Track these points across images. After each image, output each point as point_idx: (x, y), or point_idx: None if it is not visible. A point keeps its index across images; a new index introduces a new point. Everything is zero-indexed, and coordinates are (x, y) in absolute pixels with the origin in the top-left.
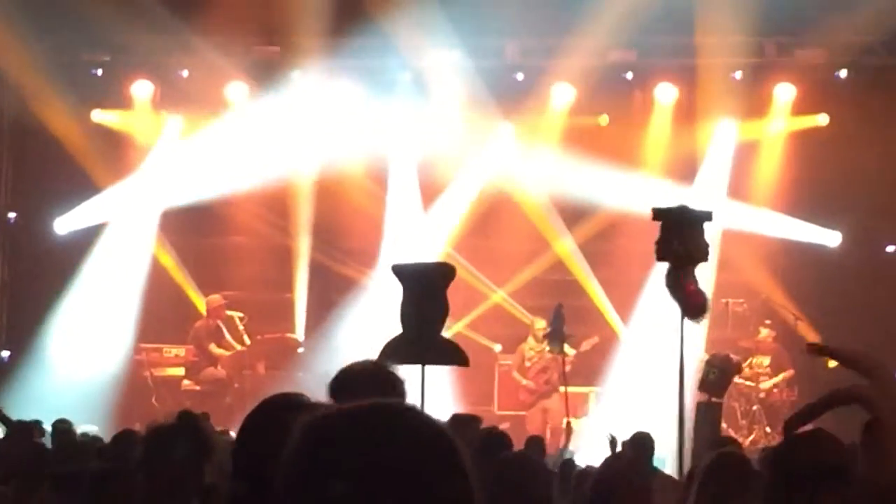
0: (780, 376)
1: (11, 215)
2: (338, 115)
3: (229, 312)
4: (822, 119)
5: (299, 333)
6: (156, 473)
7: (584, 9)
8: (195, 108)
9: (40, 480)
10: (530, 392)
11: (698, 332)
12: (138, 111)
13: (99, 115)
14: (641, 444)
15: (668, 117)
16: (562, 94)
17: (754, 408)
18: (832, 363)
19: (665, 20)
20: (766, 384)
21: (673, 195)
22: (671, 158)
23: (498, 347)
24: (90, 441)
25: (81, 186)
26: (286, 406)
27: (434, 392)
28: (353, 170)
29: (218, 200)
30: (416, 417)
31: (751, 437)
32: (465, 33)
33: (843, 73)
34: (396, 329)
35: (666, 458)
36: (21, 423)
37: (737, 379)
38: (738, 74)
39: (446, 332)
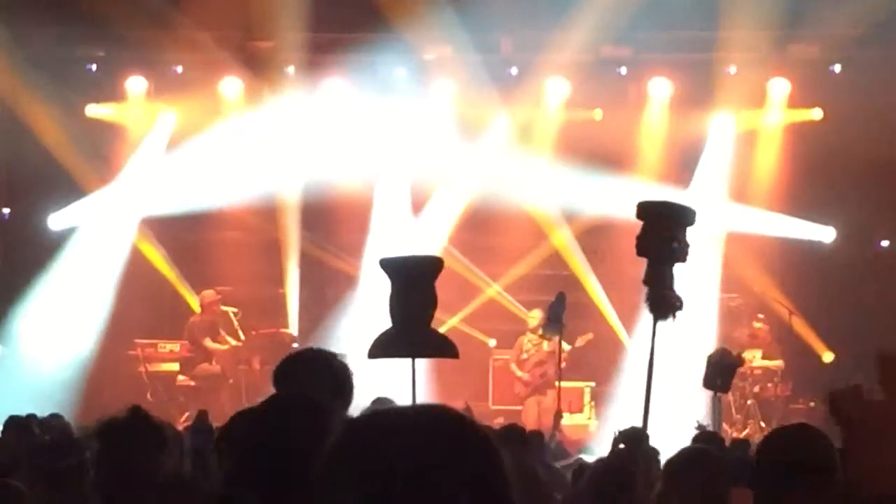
0: (767, 363)
1: (5, 211)
2: (331, 110)
3: (224, 308)
4: (817, 113)
5: (293, 328)
6: (112, 468)
7: (578, 3)
8: (189, 103)
9: (38, 476)
10: (525, 384)
11: (707, 330)
12: (132, 106)
13: (93, 111)
14: (635, 439)
15: (662, 112)
16: (556, 89)
17: (748, 402)
18: (827, 359)
19: (658, 15)
20: (756, 363)
21: (669, 195)
22: (666, 153)
23: (493, 342)
24: (86, 436)
25: (75, 183)
26: (302, 406)
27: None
28: (346, 165)
29: (209, 198)
30: (461, 422)
31: (745, 432)
32: (460, 28)
33: (838, 68)
34: (387, 323)
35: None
36: (16, 418)
37: None
38: (733, 69)
39: (441, 327)
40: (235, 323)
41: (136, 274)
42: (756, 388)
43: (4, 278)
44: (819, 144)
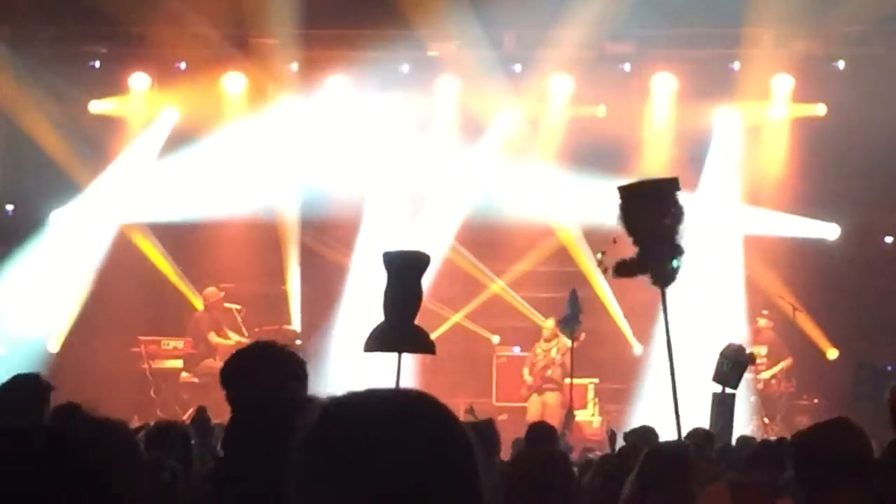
0: (779, 366)
1: (9, 207)
2: (334, 108)
3: (227, 305)
4: (820, 109)
5: (296, 325)
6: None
7: (581, 0)
8: (192, 99)
9: None
10: (528, 387)
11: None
12: (135, 102)
13: (96, 107)
14: (644, 438)
15: (666, 109)
16: (560, 85)
17: (752, 398)
18: (831, 355)
19: (662, 11)
20: (765, 375)
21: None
22: (671, 149)
23: (496, 339)
24: None
25: (78, 179)
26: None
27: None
28: (347, 164)
29: (210, 205)
30: (434, 408)
31: (749, 428)
32: (464, 24)
33: (841, 64)
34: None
35: None
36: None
37: None
38: (736, 65)
39: (445, 323)
40: (239, 320)
41: (138, 271)
42: (760, 385)
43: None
44: (823, 141)
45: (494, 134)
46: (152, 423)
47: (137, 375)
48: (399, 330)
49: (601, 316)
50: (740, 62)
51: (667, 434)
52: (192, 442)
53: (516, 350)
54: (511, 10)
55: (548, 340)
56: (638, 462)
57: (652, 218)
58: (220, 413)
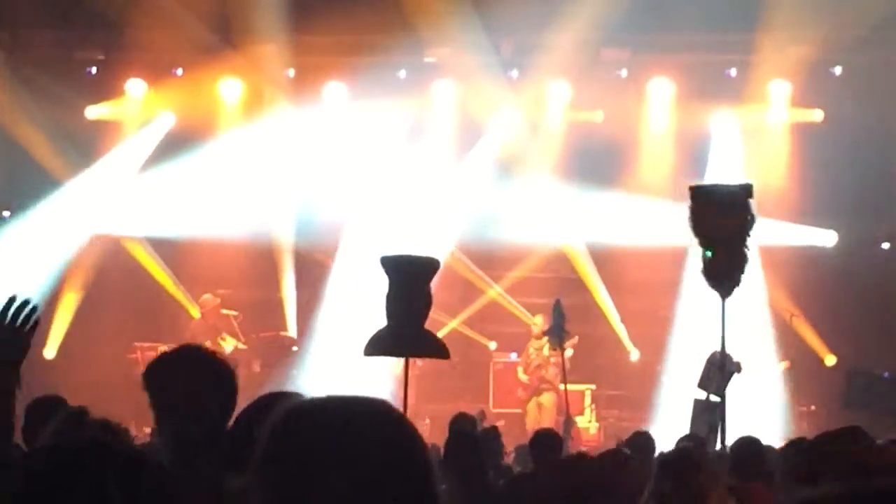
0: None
1: (6, 213)
2: (330, 113)
3: (224, 311)
4: (818, 115)
5: (292, 331)
6: None
7: (578, 6)
8: (189, 105)
9: None
10: (524, 388)
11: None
12: (132, 108)
13: (93, 112)
14: (643, 444)
15: (663, 114)
16: (557, 91)
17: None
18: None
19: (658, 17)
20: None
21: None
22: (669, 154)
23: (493, 345)
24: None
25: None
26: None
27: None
28: (343, 166)
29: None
30: (387, 412)
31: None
32: (460, 30)
33: (839, 70)
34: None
35: None
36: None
37: None
38: (733, 71)
39: (442, 329)
40: (236, 326)
41: (134, 278)
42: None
43: None
44: (820, 147)
45: (491, 139)
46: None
47: (134, 382)
48: (409, 334)
49: (598, 322)
50: (737, 68)
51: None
52: None
53: (513, 356)
54: (508, 16)
55: (538, 338)
56: (654, 469)
57: (723, 223)
58: None
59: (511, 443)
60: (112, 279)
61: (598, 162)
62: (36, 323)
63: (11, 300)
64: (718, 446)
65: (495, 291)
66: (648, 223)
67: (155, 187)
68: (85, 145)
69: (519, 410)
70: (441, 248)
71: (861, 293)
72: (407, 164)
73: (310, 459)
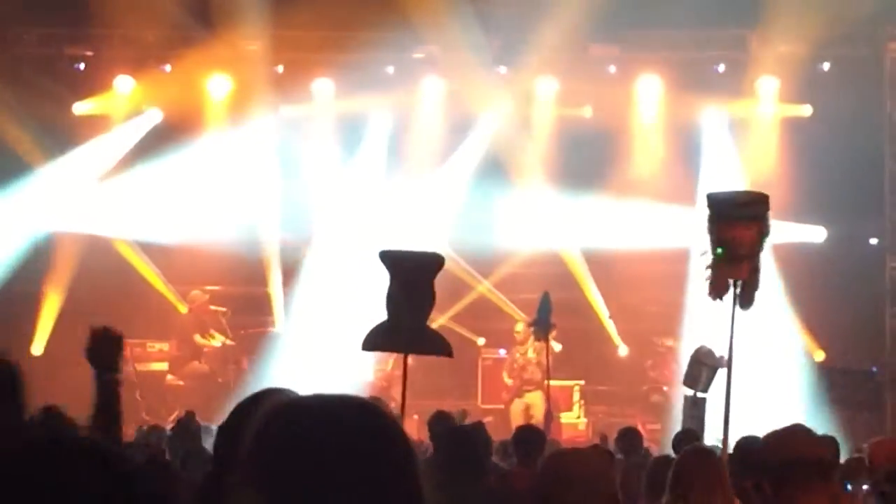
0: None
1: None
2: (316, 108)
3: (213, 308)
4: (806, 110)
5: (280, 327)
6: None
7: (566, 3)
8: (176, 101)
9: None
10: (507, 390)
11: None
12: (119, 103)
13: (80, 108)
14: (629, 440)
15: (651, 111)
16: (546, 88)
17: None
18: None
19: (647, 14)
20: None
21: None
22: (657, 150)
23: (482, 341)
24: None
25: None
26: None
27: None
28: (330, 162)
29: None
30: (375, 413)
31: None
32: (449, 26)
33: (826, 66)
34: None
35: None
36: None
37: None
38: (721, 67)
39: (432, 325)
40: (224, 322)
41: (120, 275)
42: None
43: None
44: (809, 142)
45: (480, 136)
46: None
47: (123, 378)
48: (412, 331)
49: (587, 317)
50: (725, 64)
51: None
52: None
53: (502, 352)
54: (496, 12)
55: (521, 343)
56: (672, 467)
57: (742, 233)
58: (206, 415)
59: (498, 439)
60: (98, 275)
61: (587, 158)
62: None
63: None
64: (711, 442)
65: (484, 287)
66: (637, 220)
67: (141, 184)
68: (72, 142)
69: (502, 407)
70: (430, 244)
71: (849, 289)
72: (394, 160)
73: (295, 458)
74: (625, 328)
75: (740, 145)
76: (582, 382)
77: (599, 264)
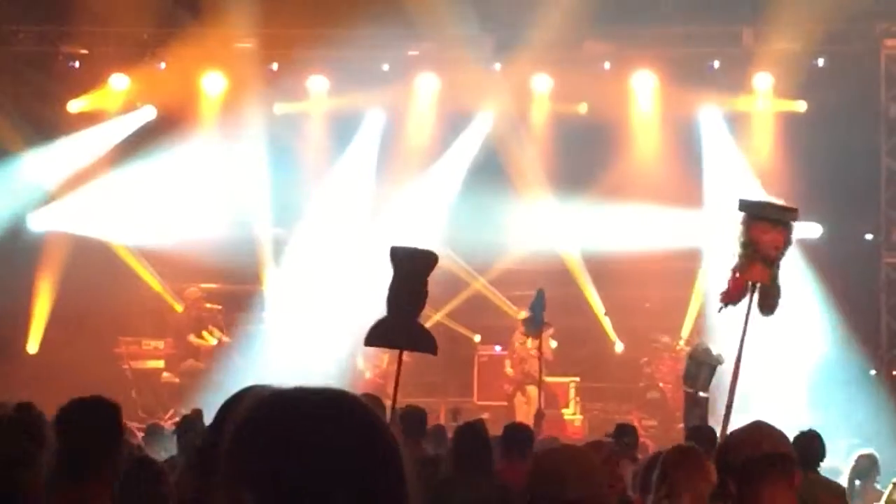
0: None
1: None
2: (311, 105)
3: (209, 305)
4: (801, 106)
5: (273, 323)
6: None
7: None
8: (171, 99)
9: None
10: (509, 381)
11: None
12: (114, 101)
13: (75, 106)
14: (623, 433)
15: (646, 107)
16: (541, 84)
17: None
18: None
19: (642, 10)
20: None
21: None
22: (652, 146)
23: (478, 338)
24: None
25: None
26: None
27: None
28: (325, 160)
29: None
30: (357, 406)
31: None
32: (444, 23)
33: (821, 62)
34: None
35: None
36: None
37: None
38: (716, 63)
39: (426, 322)
40: (221, 320)
41: (114, 272)
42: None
43: None
44: (804, 137)
45: (474, 133)
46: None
47: (118, 376)
48: (402, 327)
49: (583, 314)
50: (720, 60)
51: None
52: None
53: (497, 349)
54: (491, 9)
55: (523, 333)
56: (658, 466)
57: (773, 236)
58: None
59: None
60: (92, 273)
61: (582, 155)
62: None
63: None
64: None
65: (480, 284)
66: (633, 216)
67: (135, 181)
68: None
69: (504, 403)
70: (425, 241)
71: (845, 285)
72: (389, 157)
73: (275, 452)
74: (621, 325)
75: (735, 141)
76: (578, 379)
77: (595, 261)
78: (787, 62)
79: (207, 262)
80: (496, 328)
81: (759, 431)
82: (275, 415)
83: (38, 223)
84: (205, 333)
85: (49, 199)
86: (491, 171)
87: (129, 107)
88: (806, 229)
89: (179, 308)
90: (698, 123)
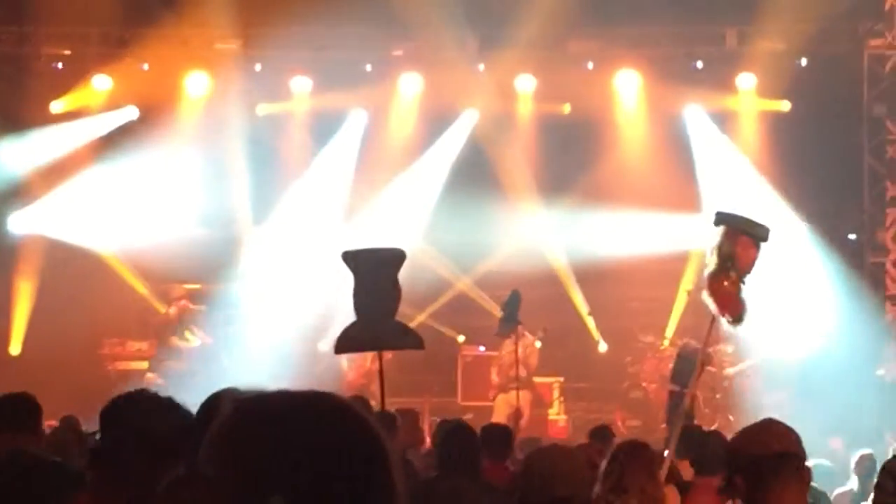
0: (745, 364)
1: None
2: (295, 106)
3: (191, 306)
4: (785, 106)
5: (257, 323)
6: None
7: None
8: (154, 100)
9: None
10: (492, 387)
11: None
12: (96, 103)
13: (57, 107)
14: (602, 435)
15: (630, 107)
16: (524, 84)
17: (717, 396)
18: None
19: (625, 10)
20: (730, 371)
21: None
22: (635, 144)
23: (462, 338)
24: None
25: (34, 183)
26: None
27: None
28: (308, 160)
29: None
30: (343, 407)
31: (714, 426)
32: (427, 24)
33: (804, 62)
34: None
35: None
36: None
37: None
38: (699, 64)
39: (410, 323)
40: (203, 321)
41: (102, 274)
42: (725, 382)
43: None
44: (787, 137)
45: (458, 133)
46: None
47: (102, 377)
48: (381, 328)
49: (567, 313)
50: (703, 60)
51: None
52: None
53: (482, 349)
54: (474, 9)
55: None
56: (607, 459)
57: (750, 259)
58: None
59: None
60: (73, 273)
61: (566, 155)
62: None
63: None
64: None
65: (464, 284)
66: (617, 217)
67: (116, 182)
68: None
69: (489, 403)
70: (408, 241)
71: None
72: (372, 157)
73: (255, 456)
74: (605, 325)
75: (720, 141)
76: (562, 379)
77: (579, 261)
78: (770, 62)
79: (188, 262)
80: (480, 328)
81: (770, 429)
82: (253, 418)
83: (18, 225)
84: (187, 334)
85: (25, 195)
86: (475, 171)
87: (111, 107)
88: (791, 229)
89: (163, 309)
90: (682, 123)
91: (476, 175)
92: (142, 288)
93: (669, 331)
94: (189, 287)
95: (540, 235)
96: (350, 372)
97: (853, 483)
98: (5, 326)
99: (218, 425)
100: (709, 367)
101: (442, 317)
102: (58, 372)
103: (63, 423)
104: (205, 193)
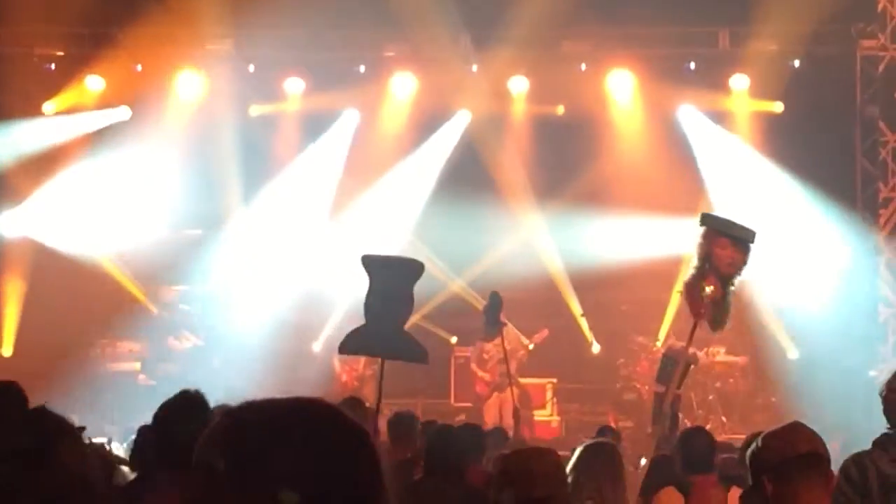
0: (735, 359)
1: None
2: (288, 106)
3: (182, 306)
4: (778, 107)
5: (249, 324)
6: None
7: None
8: (147, 101)
9: None
10: (486, 384)
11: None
12: (89, 103)
13: (51, 108)
14: (606, 435)
15: (623, 108)
16: (517, 85)
17: (710, 397)
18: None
19: (619, 11)
20: (722, 374)
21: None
22: (629, 145)
23: (454, 339)
24: None
25: (23, 184)
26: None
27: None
28: (301, 160)
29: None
30: (333, 415)
31: (707, 427)
32: (420, 24)
33: (797, 63)
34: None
35: None
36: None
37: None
38: (692, 65)
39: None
40: (195, 321)
41: (93, 275)
42: (718, 384)
43: None
44: (780, 139)
45: (450, 133)
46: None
47: (95, 377)
48: (382, 335)
49: (560, 315)
50: (696, 62)
51: None
52: None
53: None
54: (467, 10)
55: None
56: (573, 461)
57: (726, 259)
58: None
59: None
60: (64, 274)
61: (560, 156)
62: None
63: None
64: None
65: (457, 285)
66: (611, 219)
67: (107, 183)
68: (42, 141)
69: (481, 405)
70: (400, 242)
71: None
72: (364, 157)
73: (247, 464)
74: (598, 326)
75: (713, 142)
76: (555, 380)
77: (573, 262)
78: (763, 63)
79: (178, 263)
80: (473, 330)
81: (796, 431)
82: (245, 425)
83: (6, 227)
84: (179, 337)
85: (13, 195)
86: (469, 172)
87: (104, 108)
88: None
89: (155, 310)
90: (676, 124)
91: (469, 176)
92: (133, 289)
93: (662, 332)
94: (179, 288)
95: (533, 237)
96: (343, 374)
97: None
98: None
99: (204, 436)
100: (701, 366)
101: (435, 318)
102: (50, 372)
103: None
104: (196, 194)
